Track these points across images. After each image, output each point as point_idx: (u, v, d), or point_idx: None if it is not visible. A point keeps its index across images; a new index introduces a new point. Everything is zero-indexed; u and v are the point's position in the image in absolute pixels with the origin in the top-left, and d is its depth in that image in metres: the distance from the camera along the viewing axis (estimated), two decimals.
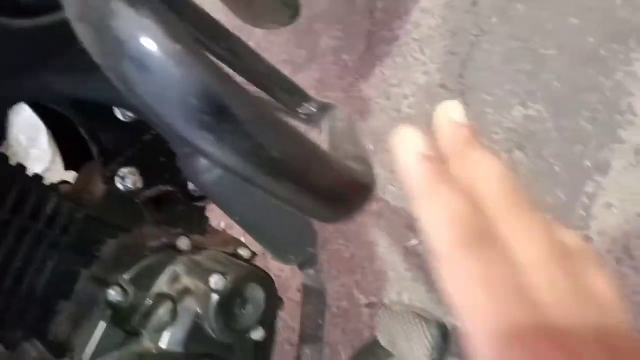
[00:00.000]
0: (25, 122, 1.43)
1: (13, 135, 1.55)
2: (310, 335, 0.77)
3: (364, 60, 1.27)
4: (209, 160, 0.22)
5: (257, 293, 0.57)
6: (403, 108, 1.18)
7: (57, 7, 0.38)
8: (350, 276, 1.17)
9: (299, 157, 0.23)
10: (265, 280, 0.59)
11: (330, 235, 1.15)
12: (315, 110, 0.58)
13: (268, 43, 1.50)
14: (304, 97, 0.59)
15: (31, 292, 0.53)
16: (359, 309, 1.14)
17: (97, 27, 0.21)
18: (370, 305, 1.12)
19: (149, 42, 0.20)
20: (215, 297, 0.54)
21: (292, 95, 0.59)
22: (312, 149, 0.24)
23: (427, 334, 0.52)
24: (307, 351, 0.76)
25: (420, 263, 1.04)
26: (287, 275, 1.27)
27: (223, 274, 0.55)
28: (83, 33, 0.21)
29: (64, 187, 0.68)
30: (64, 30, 0.43)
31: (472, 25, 1.12)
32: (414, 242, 1.06)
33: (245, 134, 0.21)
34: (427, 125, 1.11)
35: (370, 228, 1.09)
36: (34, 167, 1.64)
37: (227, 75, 0.21)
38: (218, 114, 0.20)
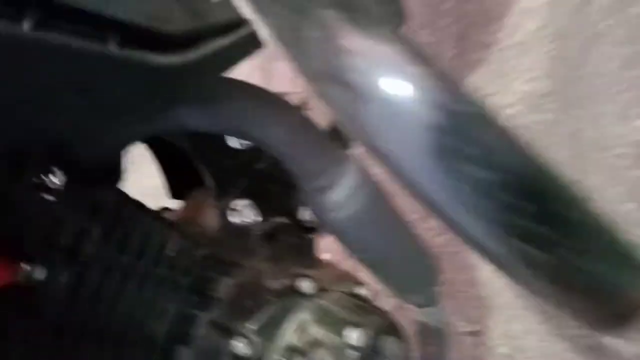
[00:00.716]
0: None
1: None
2: None
3: (454, 67, 1.18)
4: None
5: (396, 348, 0.50)
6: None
7: (197, 39, 0.32)
8: (449, 301, 1.08)
9: None
10: (404, 331, 0.51)
11: None
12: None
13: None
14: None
15: (152, 339, 0.48)
16: (461, 337, 1.05)
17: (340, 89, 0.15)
18: (473, 334, 1.03)
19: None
20: (352, 354, 0.47)
21: None
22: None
23: None
24: None
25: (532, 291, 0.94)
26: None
27: (360, 325, 0.48)
28: (330, 99, 0.16)
29: (170, 215, 0.64)
30: (206, 64, 0.38)
31: (583, 27, 1.01)
32: None
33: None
34: (530, 141, 0.98)
35: (470, 250, 0.99)
36: (131, 190, 1.65)
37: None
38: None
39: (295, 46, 0.18)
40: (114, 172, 0.46)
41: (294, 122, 0.46)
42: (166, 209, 0.65)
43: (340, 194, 0.46)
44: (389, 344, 0.50)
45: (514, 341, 0.94)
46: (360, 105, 0.16)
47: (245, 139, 0.51)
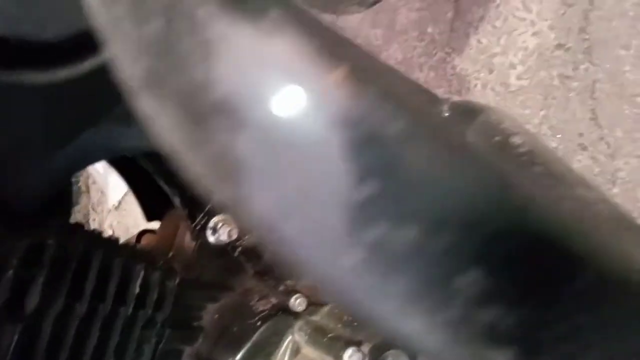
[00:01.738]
0: None
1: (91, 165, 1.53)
2: None
3: (455, 30, 1.09)
4: None
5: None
6: (511, 80, 1.00)
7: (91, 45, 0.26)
8: None
9: None
10: None
11: None
12: (448, 117, 0.43)
13: (337, 28, 1.35)
14: (431, 100, 0.44)
15: None
16: None
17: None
18: None
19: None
20: None
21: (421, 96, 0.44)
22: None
23: None
24: None
25: None
26: None
27: (356, 344, 0.42)
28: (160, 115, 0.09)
29: (148, 239, 0.59)
30: (103, 75, 0.33)
31: None
32: None
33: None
34: (544, 98, 0.88)
35: None
36: (114, 194, 1.63)
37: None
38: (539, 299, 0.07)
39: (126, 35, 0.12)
40: (59, 207, 0.41)
41: None
42: (147, 231, 0.61)
43: None
44: (392, 358, 0.44)
45: None
46: (231, 134, 0.10)
47: None
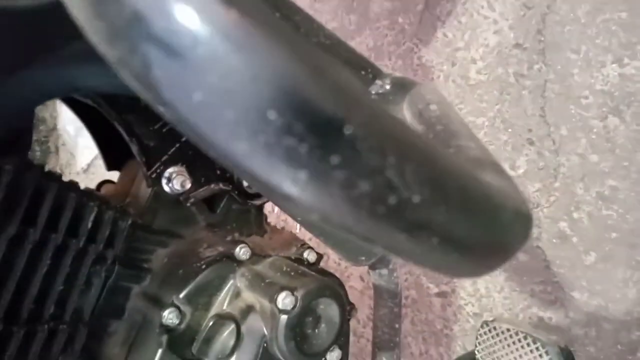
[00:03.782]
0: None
1: (61, 125, 1.53)
2: (386, 340, 0.68)
3: (423, 22, 1.14)
4: (293, 212, 0.13)
5: (330, 309, 0.49)
6: (471, 74, 1.05)
7: None
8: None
9: (453, 196, 0.13)
10: (339, 293, 0.50)
11: None
12: (390, 89, 0.48)
13: (314, 11, 1.38)
14: (375, 72, 0.49)
15: (77, 315, 0.47)
16: (429, 298, 1.04)
17: None
18: (441, 294, 1.03)
19: (187, 11, 0.11)
20: (283, 318, 0.46)
21: (361, 70, 0.48)
22: (462, 174, 0.14)
23: None
24: (384, 358, 0.68)
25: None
26: (347, 263, 1.19)
27: (291, 289, 0.46)
28: (75, 5, 0.12)
29: (107, 188, 0.62)
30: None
31: None
32: None
33: (373, 168, 0.12)
34: (499, 93, 0.95)
35: None
36: (83, 156, 1.63)
37: (327, 62, 0.12)
38: (322, 136, 0.11)
39: None
40: (18, 140, 0.44)
41: None
42: (107, 181, 0.63)
43: None
44: (324, 305, 0.49)
45: (480, 300, 0.94)
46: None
47: None
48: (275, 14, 0.12)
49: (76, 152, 1.57)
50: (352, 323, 0.84)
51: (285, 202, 0.12)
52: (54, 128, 1.63)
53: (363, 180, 0.12)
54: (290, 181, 0.12)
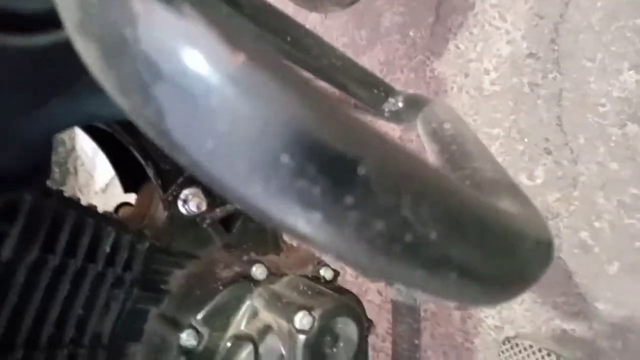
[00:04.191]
0: None
1: (79, 146, 1.55)
2: (406, 357, 0.67)
3: (435, 34, 1.14)
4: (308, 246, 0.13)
5: (348, 327, 0.49)
6: (485, 85, 1.04)
7: None
8: None
9: (473, 231, 0.13)
10: (356, 311, 0.49)
11: None
12: (402, 106, 0.48)
13: (324, 27, 1.39)
14: (387, 90, 0.49)
15: (96, 338, 0.47)
16: (448, 311, 1.03)
17: (110, 41, 0.12)
18: (461, 307, 1.01)
19: (195, 56, 0.11)
20: (301, 338, 0.45)
21: (373, 89, 0.48)
22: (479, 207, 0.14)
23: None
24: None
25: None
26: (363, 279, 1.18)
27: (308, 309, 0.46)
28: (88, 50, 0.12)
29: (125, 210, 0.63)
30: None
31: None
32: None
33: (388, 208, 0.11)
34: (514, 103, 0.94)
35: None
36: (102, 177, 1.65)
37: (337, 103, 0.12)
38: (335, 178, 0.11)
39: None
40: (36, 170, 0.45)
41: None
42: (125, 203, 0.64)
43: None
44: (342, 324, 0.48)
45: (501, 313, 0.92)
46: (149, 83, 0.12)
47: None
48: (281, 58, 0.11)
49: (94, 172, 1.59)
50: (371, 338, 0.83)
51: (301, 241, 0.12)
52: (73, 149, 1.66)
53: (378, 220, 0.12)
54: (304, 222, 0.12)
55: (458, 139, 0.33)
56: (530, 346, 0.43)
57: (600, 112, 0.91)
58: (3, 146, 0.37)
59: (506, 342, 0.47)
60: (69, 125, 0.41)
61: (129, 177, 0.62)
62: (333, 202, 0.11)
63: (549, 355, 0.41)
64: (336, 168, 0.11)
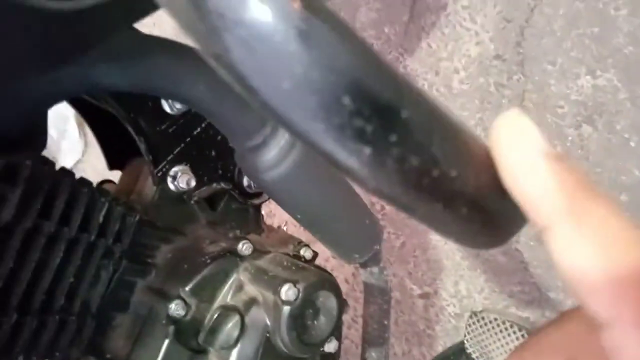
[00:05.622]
0: (53, 113, 1.39)
1: None
2: (376, 336, 0.71)
3: (408, 32, 1.18)
4: (361, 184, 0.15)
5: (329, 301, 0.52)
6: (454, 84, 1.10)
7: None
8: (401, 265, 1.10)
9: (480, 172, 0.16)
10: (337, 286, 0.53)
11: None
12: None
13: None
14: None
15: (86, 307, 0.48)
16: (412, 299, 1.08)
17: None
18: (424, 296, 1.06)
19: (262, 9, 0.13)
20: (286, 309, 0.48)
21: None
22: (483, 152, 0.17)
23: None
24: (373, 354, 0.70)
25: (477, 251, 0.97)
26: (333, 265, 1.22)
27: (293, 282, 0.49)
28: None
29: (109, 187, 0.63)
30: (106, 14, 0.38)
31: None
32: None
33: (422, 146, 0.14)
34: (480, 102, 1.00)
35: None
36: (66, 160, 1.61)
37: (383, 59, 0.15)
38: (385, 119, 0.14)
39: None
40: (34, 138, 0.45)
41: (219, 78, 0.45)
42: (107, 181, 0.65)
43: (273, 153, 0.45)
44: (323, 299, 0.51)
45: (462, 301, 0.98)
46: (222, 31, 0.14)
47: (167, 97, 0.50)
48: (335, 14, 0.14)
49: (59, 155, 1.56)
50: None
51: (346, 173, 0.15)
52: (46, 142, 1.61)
53: (413, 155, 0.15)
54: (356, 156, 0.14)
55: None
56: (495, 319, 0.47)
57: (559, 113, 0.98)
58: (9, 106, 0.37)
59: (472, 316, 0.51)
60: (72, 93, 0.42)
61: (114, 154, 0.63)
62: (381, 139, 0.14)
63: (511, 327, 0.45)
64: (385, 111, 0.14)
